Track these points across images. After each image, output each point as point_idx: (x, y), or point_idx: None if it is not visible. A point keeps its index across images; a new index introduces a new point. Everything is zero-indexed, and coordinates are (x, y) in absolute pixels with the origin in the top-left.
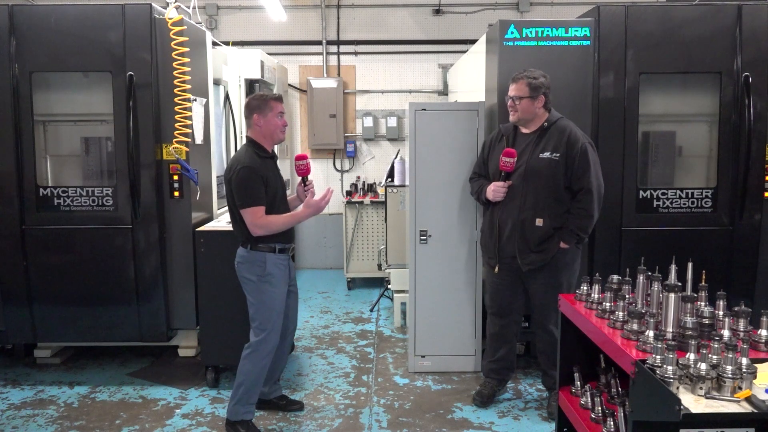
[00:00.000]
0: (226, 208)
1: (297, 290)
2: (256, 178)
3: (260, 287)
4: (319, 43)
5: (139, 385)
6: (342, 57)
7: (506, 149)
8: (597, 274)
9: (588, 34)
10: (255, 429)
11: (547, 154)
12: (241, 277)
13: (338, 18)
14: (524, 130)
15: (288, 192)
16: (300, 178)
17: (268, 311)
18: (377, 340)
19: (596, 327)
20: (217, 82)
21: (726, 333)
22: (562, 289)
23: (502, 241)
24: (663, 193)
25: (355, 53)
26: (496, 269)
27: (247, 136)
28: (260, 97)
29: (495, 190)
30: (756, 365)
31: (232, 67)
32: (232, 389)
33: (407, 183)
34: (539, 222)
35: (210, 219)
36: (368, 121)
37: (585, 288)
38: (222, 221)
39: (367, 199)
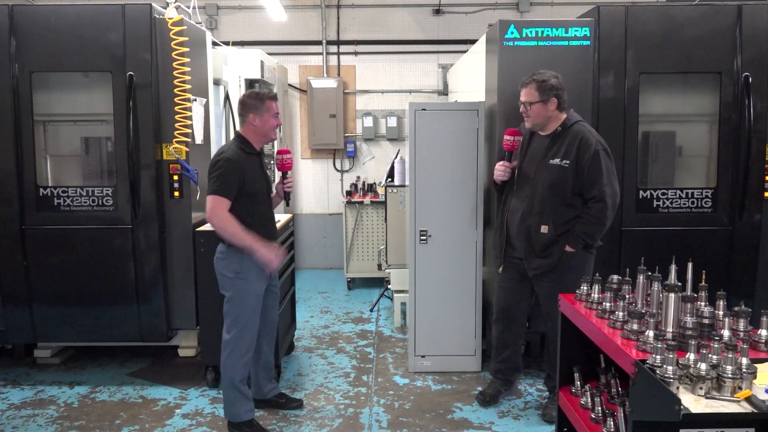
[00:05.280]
0: None
1: (278, 291)
2: (233, 171)
3: (235, 283)
4: (319, 43)
5: (139, 385)
6: (342, 57)
7: (508, 129)
8: (597, 274)
9: (588, 34)
10: (260, 428)
11: (557, 161)
12: (217, 272)
13: (338, 18)
14: (541, 133)
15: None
16: (281, 172)
17: (242, 307)
18: (377, 340)
19: (596, 327)
20: (217, 82)
21: (726, 333)
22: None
23: (510, 240)
24: (663, 193)
25: (355, 53)
26: (501, 269)
27: (236, 131)
28: (257, 96)
29: (497, 169)
30: (756, 365)
31: (232, 67)
32: (222, 394)
33: (407, 183)
34: (544, 229)
35: None
36: (368, 121)
37: (585, 288)
38: None
39: (367, 199)
